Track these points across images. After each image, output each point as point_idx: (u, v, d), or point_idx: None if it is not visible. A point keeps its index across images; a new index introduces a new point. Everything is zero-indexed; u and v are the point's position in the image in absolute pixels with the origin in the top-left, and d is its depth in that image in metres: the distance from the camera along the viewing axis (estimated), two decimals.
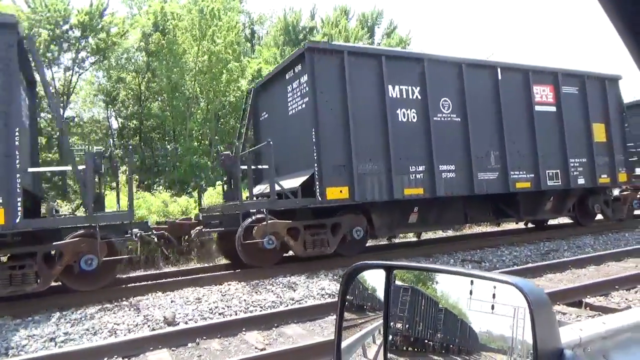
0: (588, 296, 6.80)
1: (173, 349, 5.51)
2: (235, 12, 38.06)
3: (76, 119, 33.30)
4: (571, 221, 15.70)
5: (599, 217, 15.12)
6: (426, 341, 1.29)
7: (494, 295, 1.12)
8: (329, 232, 10.46)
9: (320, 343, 4.99)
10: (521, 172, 12.66)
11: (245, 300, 7.75)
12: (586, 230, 14.46)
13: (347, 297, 1.50)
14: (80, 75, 31.03)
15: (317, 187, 10.03)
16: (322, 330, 6.02)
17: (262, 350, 5.26)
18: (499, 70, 12.54)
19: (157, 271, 11.12)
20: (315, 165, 10.08)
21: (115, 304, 7.85)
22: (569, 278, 8.33)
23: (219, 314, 7.14)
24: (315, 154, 10.09)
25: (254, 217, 9.93)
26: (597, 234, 13.69)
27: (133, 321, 6.72)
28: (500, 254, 11.37)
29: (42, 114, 30.56)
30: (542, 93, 13.31)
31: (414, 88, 11.36)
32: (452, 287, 1.26)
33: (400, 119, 11.09)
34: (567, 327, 1.61)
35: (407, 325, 1.34)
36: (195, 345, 5.58)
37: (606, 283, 7.27)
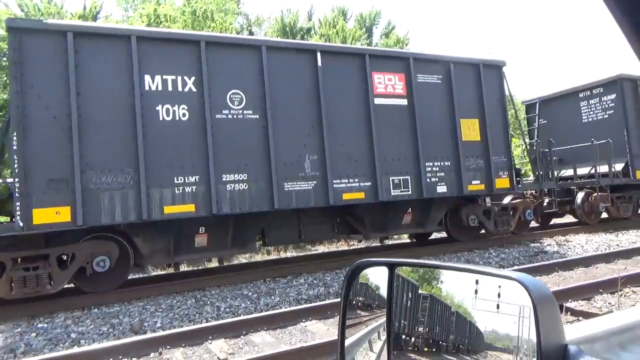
0: (570, 300, 5.79)
1: (134, 359, 4.73)
2: (231, 14, 34.87)
3: None
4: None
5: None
6: (430, 340, 1.10)
7: (499, 295, 0.96)
8: (55, 265, 7.15)
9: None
10: (351, 181, 8.92)
11: None
12: (578, 230, 11.78)
13: (350, 295, 1.27)
14: None
15: (18, 208, 6.72)
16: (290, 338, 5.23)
17: None
18: (318, 54, 8.79)
19: None
20: (17, 180, 6.75)
21: (86, 311, 6.74)
22: (555, 281, 7.15)
23: None
24: (16, 166, 6.78)
25: None
26: (590, 235, 11.27)
27: (99, 330, 5.89)
28: (487, 256, 9.54)
29: None
30: (387, 82, 9.43)
31: (185, 78, 7.72)
32: (457, 286, 1.06)
33: (161, 118, 7.49)
34: (572, 324, 1.37)
35: (410, 323, 1.14)
36: (157, 355, 4.83)
37: (590, 286, 6.19)
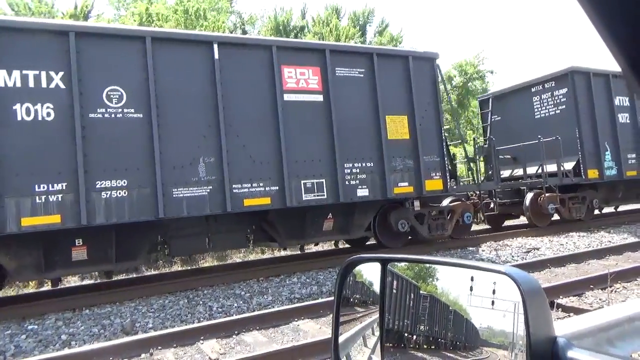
0: (561, 296, 5.41)
1: None
2: (224, 13, 33.55)
3: None
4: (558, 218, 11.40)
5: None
6: (423, 336, 1.03)
7: (494, 292, 0.90)
8: None
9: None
10: (255, 185, 7.68)
11: None
12: (570, 227, 10.72)
13: (344, 291, 1.21)
14: None
15: None
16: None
17: None
18: (215, 46, 7.55)
19: None
20: None
21: (77, 312, 6.30)
22: (546, 277, 6.71)
23: None
24: None
25: None
26: (582, 232, 10.39)
27: (90, 331, 5.54)
28: (480, 254, 8.82)
29: None
30: (300, 77, 8.13)
31: (52, 73, 6.47)
32: (451, 283, 0.99)
33: (20, 118, 6.21)
34: (561, 320, 1.43)
35: (403, 320, 1.08)
36: (148, 356, 4.48)
37: (581, 282, 5.82)
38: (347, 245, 10.68)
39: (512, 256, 8.57)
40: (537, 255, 8.50)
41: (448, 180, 9.15)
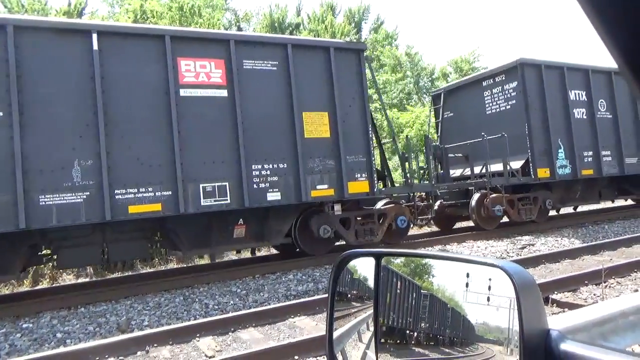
0: (556, 292, 5.15)
1: (121, 358, 4.14)
2: (219, 10, 32.33)
3: None
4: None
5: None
6: (418, 331, 0.95)
7: (489, 287, 0.83)
8: None
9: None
10: (142, 190, 6.49)
11: None
12: (565, 223, 10.20)
13: (338, 287, 1.12)
14: None
15: None
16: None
17: (210, 357, 4.01)
18: (94, 36, 6.38)
19: None
20: None
21: (72, 310, 5.97)
22: (541, 273, 6.33)
23: None
24: None
25: None
26: (576, 227, 9.96)
27: (85, 329, 5.20)
28: (476, 249, 8.44)
29: None
30: (200, 70, 6.91)
31: None
32: (447, 279, 0.92)
33: None
34: (556, 315, 1.32)
35: (397, 315, 1.00)
36: (144, 354, 4.25)
37: (575, 278, 5.50)
38: (342, 243, 9.43)
39: (508, 252, 8.05)
40: (532, 251, 8.06)
41: (375, 182, 7.93)
